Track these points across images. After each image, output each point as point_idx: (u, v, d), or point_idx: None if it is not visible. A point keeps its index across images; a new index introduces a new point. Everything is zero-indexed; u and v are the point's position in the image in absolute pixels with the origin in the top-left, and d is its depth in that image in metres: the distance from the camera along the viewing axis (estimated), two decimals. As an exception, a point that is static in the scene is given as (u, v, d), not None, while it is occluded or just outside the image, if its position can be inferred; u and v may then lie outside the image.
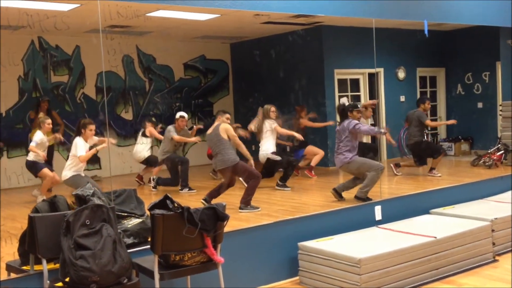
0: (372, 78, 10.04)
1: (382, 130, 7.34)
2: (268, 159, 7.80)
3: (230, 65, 11.75)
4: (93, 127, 6.48)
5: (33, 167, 7.25)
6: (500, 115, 9.40)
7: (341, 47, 9.89)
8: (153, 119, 9.24)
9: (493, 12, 7.52)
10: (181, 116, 8.39)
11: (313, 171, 8.71)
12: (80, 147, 6.40)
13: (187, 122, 8.74)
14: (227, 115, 6.71)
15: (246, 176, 6.48)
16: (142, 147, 8.62)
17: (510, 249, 5.68)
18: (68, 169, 6.51)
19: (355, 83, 10.29)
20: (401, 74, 10.76)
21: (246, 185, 6.61)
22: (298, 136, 7.86)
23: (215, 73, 11.62)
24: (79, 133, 6.48)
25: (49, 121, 7.34)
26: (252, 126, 8.24)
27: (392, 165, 8.65)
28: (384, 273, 4.57)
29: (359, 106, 7.20)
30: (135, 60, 10.45)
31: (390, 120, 10.17)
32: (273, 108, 8.00)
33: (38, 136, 7.17)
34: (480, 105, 10.78)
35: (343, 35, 9.42)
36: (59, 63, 9.58)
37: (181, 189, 7.89)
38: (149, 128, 8.68)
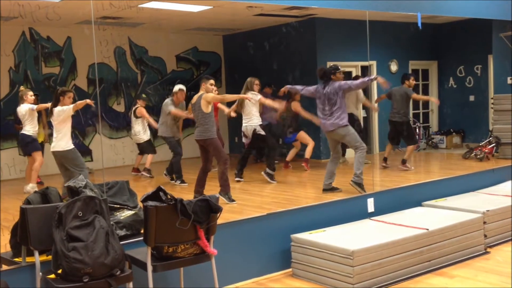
0: (365, 71, 10.05)
1: (372, 77, 6.71)
2: (254, 132, 7.70)
3: (222, 57, 11.71)
4: (71, 94, 6.16)
5: (30, 144, 7.08)
6: (492, 108, 9.44)
7: (334, 39, 9.88)
8: (144, 95, 9.10)
9: (486, 5, 7.53)
10: (180, 89, 8.18)
11: (308, 163, 8.70)
12: (62, 109, 6.04)
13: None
14: (211, 81, 6.45)
15: (215, 155, 6.39)
16: (139, 129, 8.59)
17: (501, 241, 5.71)
18: (60, 139, 6.12)
19: (348, 76, 10.28)
20: (394, 67, 10.77)
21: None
22: (280, 106, 7.67)
23: (208, 65, 11.57)
24: (56, 102, 6.12)
25: (31, 93, 7.15)
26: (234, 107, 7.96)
27: (382, 165, 8.62)
28: (377, 265, 4.59)
29: (340, 68, 7.10)
30: (127, 52, 10.39)
31: (382, 113, 10.19)
32: (257, 81, 7.81)
33: (27, 107, 6.97)
34: (472, 98, 10.84)
35: (336, 27, 9.41)
36: (50, 54, 9.51)
37: (173, 180, 7.86)
38: (140, 109, 8.60)
